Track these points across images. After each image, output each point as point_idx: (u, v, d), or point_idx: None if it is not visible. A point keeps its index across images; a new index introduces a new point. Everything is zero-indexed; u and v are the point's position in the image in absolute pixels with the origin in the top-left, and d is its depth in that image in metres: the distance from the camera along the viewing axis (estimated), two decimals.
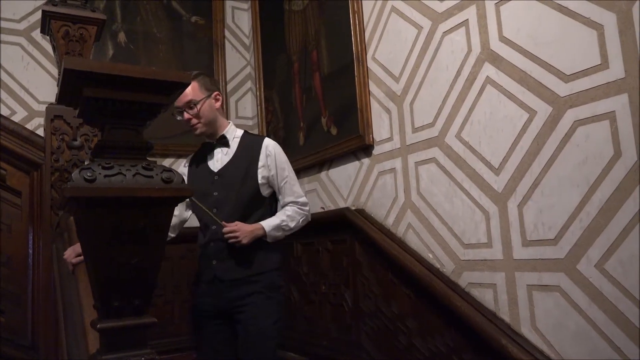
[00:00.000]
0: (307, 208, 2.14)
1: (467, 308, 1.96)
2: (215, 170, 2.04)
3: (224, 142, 2.08)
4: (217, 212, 1.96)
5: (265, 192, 2.07)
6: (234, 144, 2.09)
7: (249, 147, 2.09)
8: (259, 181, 2.04)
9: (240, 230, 1.93)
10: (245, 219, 1.99)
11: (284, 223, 2.04)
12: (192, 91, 2.00)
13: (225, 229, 1.92)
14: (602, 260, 1.57)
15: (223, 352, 2.00)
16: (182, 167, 2.19)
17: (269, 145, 2.10)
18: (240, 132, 2.16)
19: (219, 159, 2.06)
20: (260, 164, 2.05)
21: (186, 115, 2.02)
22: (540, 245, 1.78)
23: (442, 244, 2.22)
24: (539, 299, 1.78)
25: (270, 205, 2.12)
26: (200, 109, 2.02)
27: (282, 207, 2.11)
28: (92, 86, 0.98)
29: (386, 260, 2.43)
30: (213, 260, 1.98)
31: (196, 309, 2.06)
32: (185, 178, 2.11)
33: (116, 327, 1.01)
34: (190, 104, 2.01)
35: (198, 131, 2.05)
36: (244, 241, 1.93)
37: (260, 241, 2.00)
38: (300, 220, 2.11)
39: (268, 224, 2.01)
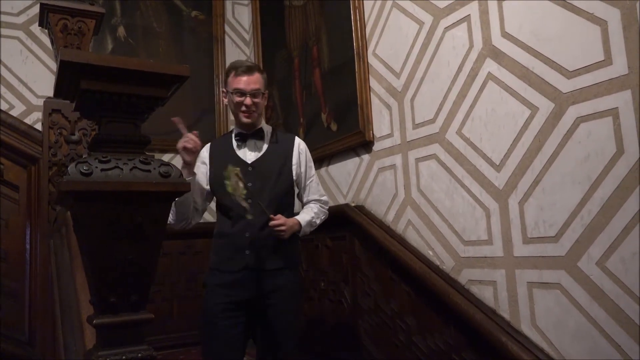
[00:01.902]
0: (327, 207, 2.23)
1: (466, 305, 1.95)
2: (249, 162, 2.05)
3: (260, 135, 2.11)
4: (252, 202, 1.96)
5: (295, 188, 2.15)
6: (267, 138, 2.13)
7: (282, 143, 2.14)
8: (293, 177, 2.10)
9: (286, 224, 1.97)
10: (278, 212, 2.01)
11: (314, 219, 2.12)
12: (261, 82, 2.08)
13: (274, 222, 1.94)
14: (604, 258, 1.56)
15: (236, 346, 1.98)
16: (205, 148, 2.17)
17: (301, 144, 2.17)
18: (269, 128, 2.21)
19: (252, 150, 2.09)
20: (294, 160, 2.11)
21: (249, 100, 2.03)
22: (541, 243, 1.77)
23: (442, 240, 2.21)
24: (539, 297, 1.77)
25: (294, 201, 2.19)
26: (261, 100, 2.08)
27: (305, 204, 2.18)
28: (89, 79, 0.96)
29: (386, 257, 2.42)
30: (246, 250, 1.98)
31: (212, 301, 2.00)
32: (207, 163, 2.13)
33: (112, 323, 1.00)
34: (257, 92, 2.06)
35: (250, 119, 2.07)
36: (286, 235, 1.98)
37: (292, 235, 2.04)
38: (323, 218, 2.20)
39: (303, 219, 2.07)
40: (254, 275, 1.97)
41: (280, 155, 2.10)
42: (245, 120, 2.06)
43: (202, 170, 2.11)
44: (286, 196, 2.10)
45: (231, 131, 2.20)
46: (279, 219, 1.95)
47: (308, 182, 2.16)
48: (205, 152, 2.16)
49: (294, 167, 2.10)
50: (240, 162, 2.04)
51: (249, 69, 2.05)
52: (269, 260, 1.99)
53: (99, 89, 0.98)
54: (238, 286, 1.98)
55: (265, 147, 2.10)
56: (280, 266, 2.01)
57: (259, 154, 2.08)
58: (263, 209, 1.93)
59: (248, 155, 2.08)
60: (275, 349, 2.00)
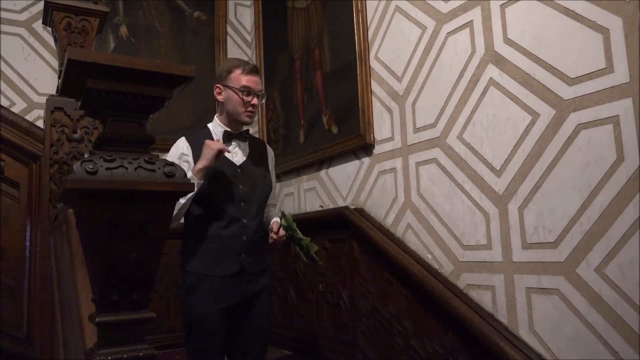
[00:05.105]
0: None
1: (464, 309, 1.96)
2: (237, 164, 2.01)
3: (244, 136, 2.07)
4: (244, 206, 1.97)
5: None
6: (248, 141, 2.10)
7: (258, 147, 2.14)
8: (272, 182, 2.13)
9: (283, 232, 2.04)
10: (262, 215, 2.06)
11: None
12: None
13: (281, 233, 2.01)
14: (602, 265, 1.57)
15: (222, 352, 1.98)
16: (183, 144, 1.99)
17: (270, 149, 2.20)
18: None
19: (236, 152, 2.04)
20: (269, 166, 2.14)
21: (256, 100, 2.01)
22: (540, 248, 1.78)
23: (441, 244, 2.21)
24: (537, 302, 1.78)
25: None
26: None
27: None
28: (96, 78, 0.97)
29: (384, 260, 2.43)
30: (242, 253, 1.96)
31: (206, 309, 1.89)
32: (192, 162, 1.94)
33: (114, 322, 1.00)
34: (262, 94, 2.06)
35: (252, 120, 2.05)
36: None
37: (265, 239, 2.06)
38: None
39: (278, 225, 2.08)
40: (245, 278, 1.97)
41: (261, 160, 2.10)
42: (247, 120, 2.01)
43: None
44: (266, 200, 2.11)
45: (204, 127, 2.07)
46: (281, 230, 2.02)
47: (273, 188, 2.18)
48: (186, 150, 1.98)
49: (271, 173, 2.14)
50: (229, 163, 1.98)
51: (256, 69, 2.02)
52: (257, 263, 2.01)
53: (105, 88, 0.98)
54: (231, 291, 1.94)
55: (247, 149, 2.07)
56: (264, 268, 2.05)
57: (244, 157, 2.04)
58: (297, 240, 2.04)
59: (234, 157, 2.02)
60: (251, 347, 2.01)
